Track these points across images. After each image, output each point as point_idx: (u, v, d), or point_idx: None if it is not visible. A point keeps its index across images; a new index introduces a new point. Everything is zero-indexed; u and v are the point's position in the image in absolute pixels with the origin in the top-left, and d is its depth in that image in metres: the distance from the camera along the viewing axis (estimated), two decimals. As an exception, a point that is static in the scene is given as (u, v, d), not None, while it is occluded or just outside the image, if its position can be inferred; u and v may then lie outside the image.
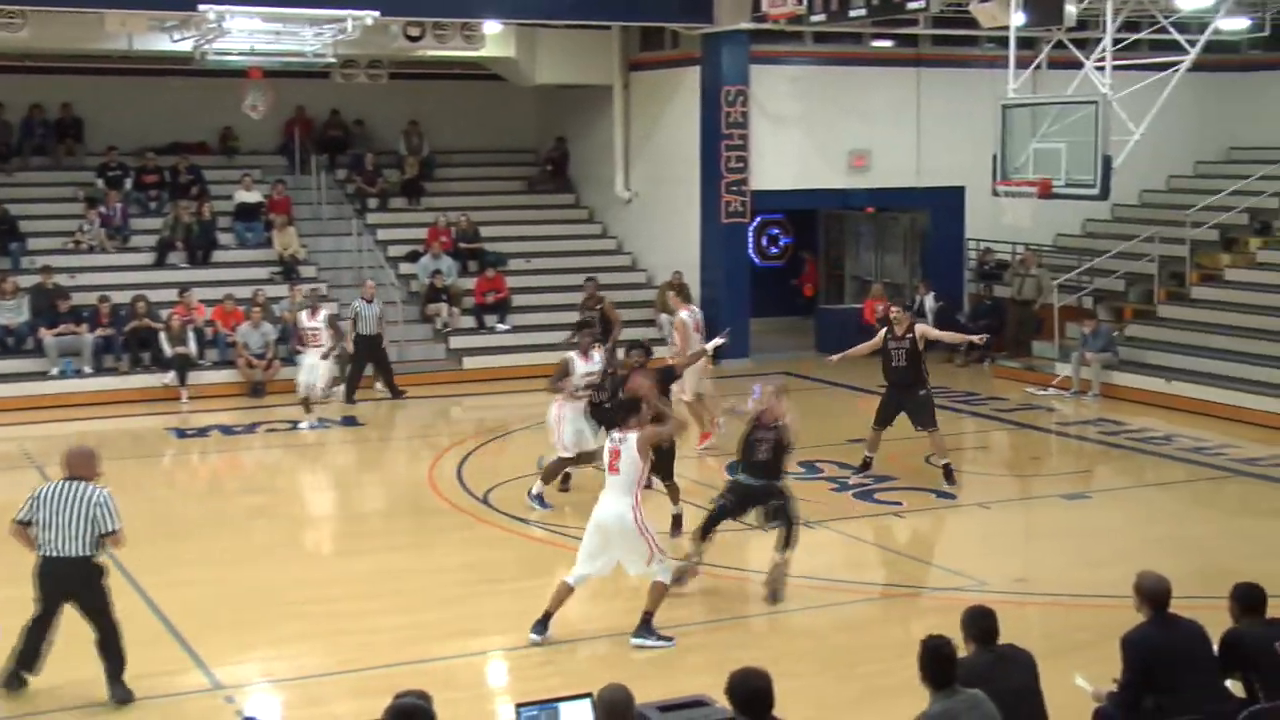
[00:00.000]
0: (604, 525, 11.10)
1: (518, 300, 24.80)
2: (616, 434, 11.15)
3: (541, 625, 11.15)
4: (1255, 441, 18.48)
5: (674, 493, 14.12)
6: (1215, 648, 8.02)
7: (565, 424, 15.00)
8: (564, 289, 25.21)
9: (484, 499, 15.61)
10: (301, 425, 19.53)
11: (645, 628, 11.14)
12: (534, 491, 15.09)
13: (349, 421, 20.18)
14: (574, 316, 23.72)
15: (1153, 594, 7.96)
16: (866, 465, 16.32)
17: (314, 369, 19.76)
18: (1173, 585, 8.08)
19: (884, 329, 16.20)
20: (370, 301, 21.62)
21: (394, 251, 25.60)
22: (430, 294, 24.29)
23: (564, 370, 15.11)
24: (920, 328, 16.31)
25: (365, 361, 21.59)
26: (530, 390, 21.78)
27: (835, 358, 16.75)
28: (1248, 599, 8.07)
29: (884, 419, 16.18)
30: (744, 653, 10.45)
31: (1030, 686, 7.60)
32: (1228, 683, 8.01)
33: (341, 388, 21.11)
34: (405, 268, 25.14)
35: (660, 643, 11.11)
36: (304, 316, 20.19)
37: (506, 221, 26.96)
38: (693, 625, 11.62)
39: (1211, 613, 8.33)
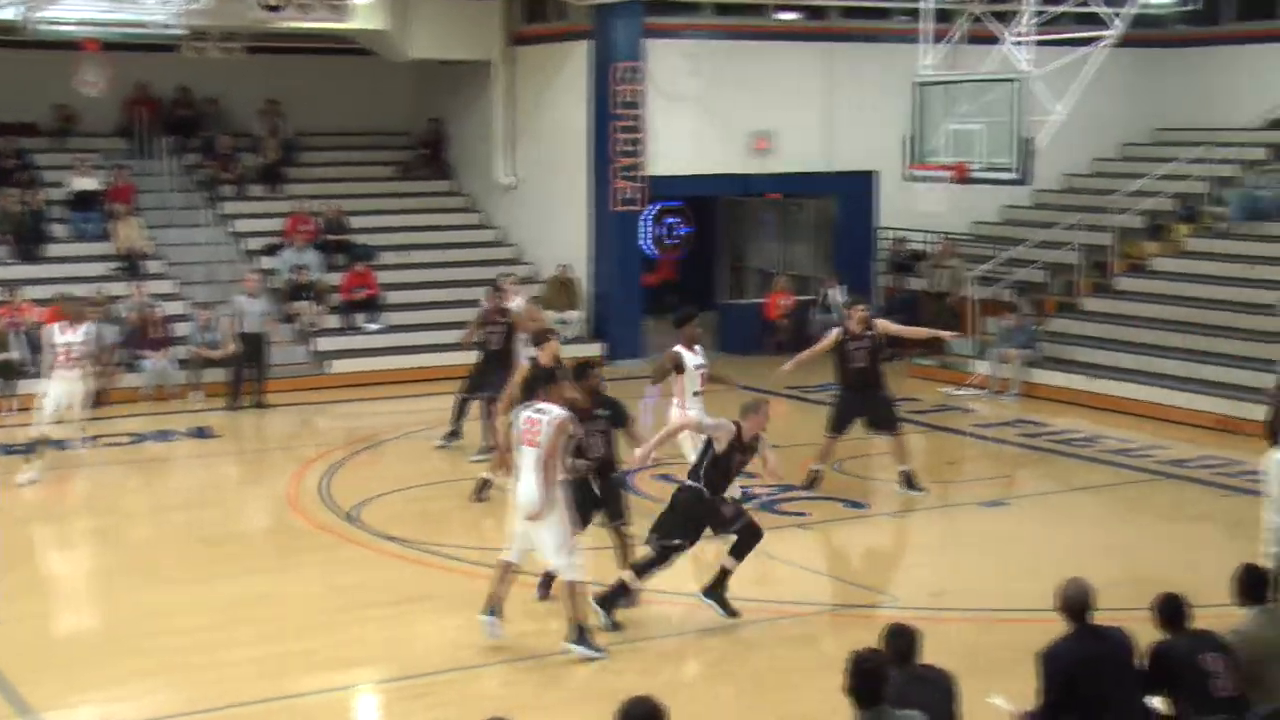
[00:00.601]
0: (520, 502, 11.24)
1: (390, 297, 24.58)
2: (537, 404, 11.32)
3: (489, 609, 11.36)
4: (1184, 442, 18.80)
5: (622, 542, 12.67)
6: (1143, 661, 8.10)
7: (701, 422, 14.69)
8: (441, 284, 25.05)
9: (352, 517, 15.43)
10: (21, 477, 17.03)
11: (578, 634, 11.17)
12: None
13: (201, 433, 19.87)
14: (453, 314, 23.65)
15: (1071, 603, 8.02)
16: (815, 480, 16.19)
17: (69, 393, 17.35)
18: (1099, 596, 8.15)
19: (837, 329, 16.26)
20: (254, 297, 21.45)
21: (252, 244, 25.28)
22: (292, 291, 24.01)
23: (676, 365, 14.96)
24: (881, 323, 16.37)
25: (246, 363, 21.37)
26: (405, 396, 21.68)
27: (788, 366, 16.65)
28: (1166, 611, 8.18)
29: (842, 425, 16.22)
30: (641, 680, 10.45)
31: (945, 709, 7.62)
32: (1156, 700, 8.10)
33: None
34: (265, 262, 24.81)
35: (594, 653, 11.15)
36: (56, 330, 17.50)
37: (377, 211, 26.74)
38: (608, 657, 11.53)
39: (1142, 625, 8.41)
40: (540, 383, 12.20)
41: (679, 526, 11.91)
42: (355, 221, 25.93)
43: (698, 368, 15.02)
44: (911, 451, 16.57)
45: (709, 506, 11.95)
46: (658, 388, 16.85)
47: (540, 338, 15.53)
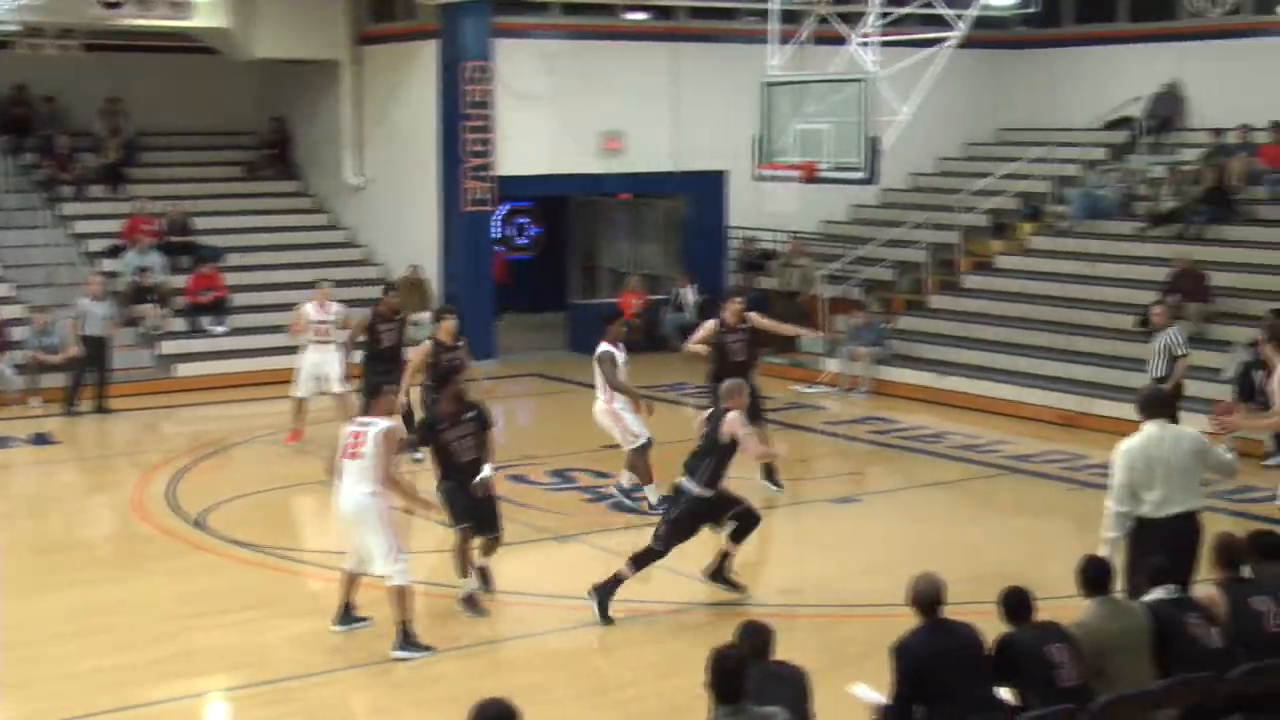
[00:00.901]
0: (342, 515, 11.42)
1: (237, 299, 24.26)
2: (361, 418, 11.61)
3: (343, 617, 11.70)
4: (1029, 437, 19.21)
5: (488, 540, 12.65)
6: (989, 653, 8.27)
7: (625, 416, 15.47)
8: (289, 286, 24.77)
9: (199, 523, 15.22)
10: None
11: (402, 639, 11.27)
12: (623, 484, 15.69)
13: (41, 440, 19.44)
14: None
15: (921, 598, 8.18)
16: None
17: None
18: (948, 590, 8.29)
19: (713, 320, 16.45)
20: (97, 299, 21.11)
21: (94, 246, 24.79)
22: (136, 293, 23.59)
23: (614, 364, 15.43)
24: (754, 316, 16.60)
25: (88, 367, 20.95)
26: (253, 399, 21.40)
27: (692, 347, 16.62)
28: (1011, 603, 8.35)
29: None
30: (493, 681, 10.44)
31: (800, 706, 7.70)
32: (1004, 691, 8.28)
33: None
34: (107, 264, 24.33)
35: (420, 653, 11.23)
36: None
37: (223, 212, 26.40)
38: (436, 654, 11.52)
39: (988, 618, 8.58)
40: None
41: (681, 533, 12.37)
42: (200, 222, 25.55)
43: (624, 363, 15.52)
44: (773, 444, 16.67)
45: (714, 504, 12.38)
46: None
47: (438, 315, 16.42)
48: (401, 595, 11.26)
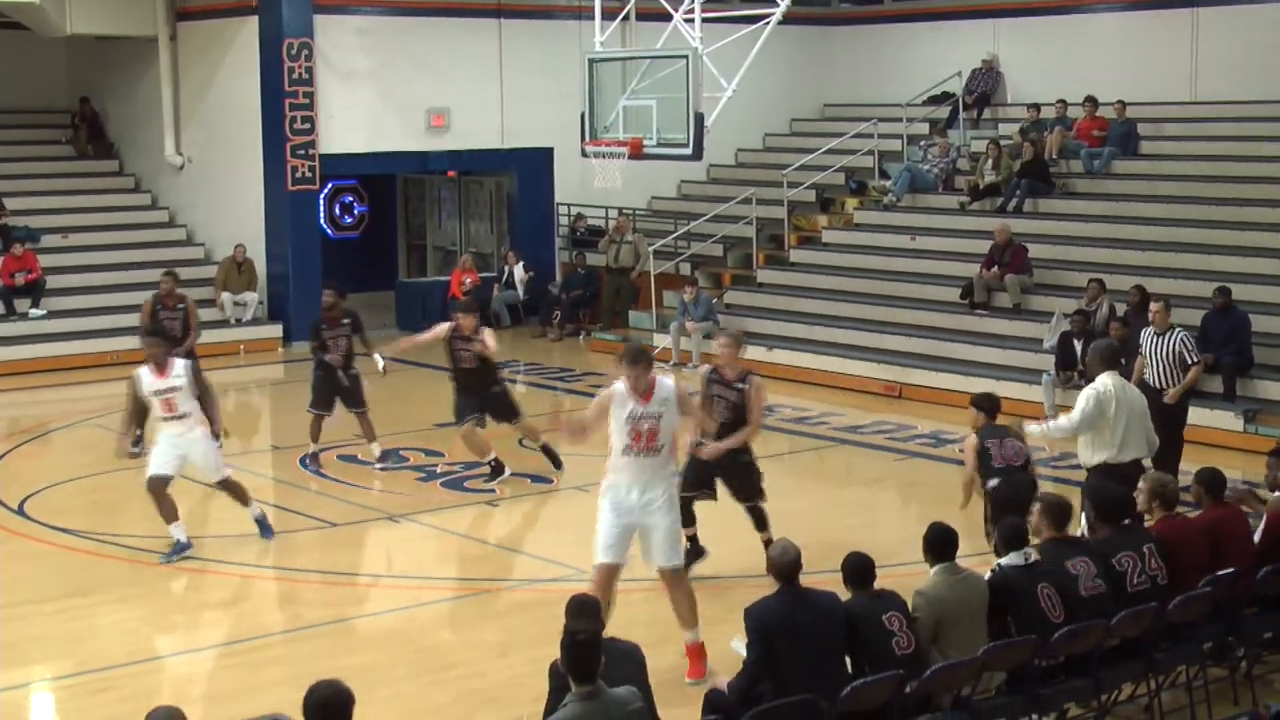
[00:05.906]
0: None
1: (53, 281, 23.71)
2: None
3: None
4: (856, 408, 19.53)
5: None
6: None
7: None
8: (108, 267, 24.34)
9: (19, 509, 14.89)
10: None
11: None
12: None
13: None
14: (122, 298, 22.98)
15: (776, 564, 8.28)
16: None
17: None
18: (800, 555, 8.36)
19: (447, 325, 15.76)
20: None
21: (-100, 228, 24.07)
22: (-54, 277, 22.95)
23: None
24: (486, 332, 15.39)
25: None
26: (73, 383, 21.01)
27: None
28: (853, 571, 8.50)
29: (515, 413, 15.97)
30: (329, 663, 10.39)
31: (641, 681, 7.74)
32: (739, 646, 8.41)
33: None
34: (-85, 247, 23.65)
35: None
36: None
37: (38, 192, 25.77)
38: (272, 636, 11.43)
39: (821, 588, 8.73)
40: None
41: None
42: (14, 203, 24.88)
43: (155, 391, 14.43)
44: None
45: None
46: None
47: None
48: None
